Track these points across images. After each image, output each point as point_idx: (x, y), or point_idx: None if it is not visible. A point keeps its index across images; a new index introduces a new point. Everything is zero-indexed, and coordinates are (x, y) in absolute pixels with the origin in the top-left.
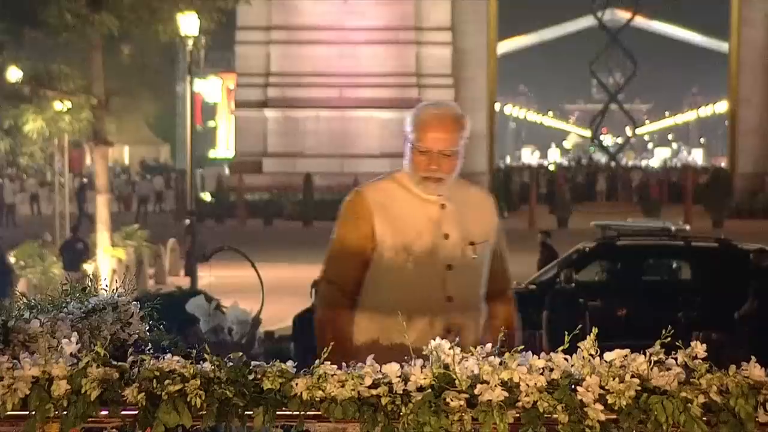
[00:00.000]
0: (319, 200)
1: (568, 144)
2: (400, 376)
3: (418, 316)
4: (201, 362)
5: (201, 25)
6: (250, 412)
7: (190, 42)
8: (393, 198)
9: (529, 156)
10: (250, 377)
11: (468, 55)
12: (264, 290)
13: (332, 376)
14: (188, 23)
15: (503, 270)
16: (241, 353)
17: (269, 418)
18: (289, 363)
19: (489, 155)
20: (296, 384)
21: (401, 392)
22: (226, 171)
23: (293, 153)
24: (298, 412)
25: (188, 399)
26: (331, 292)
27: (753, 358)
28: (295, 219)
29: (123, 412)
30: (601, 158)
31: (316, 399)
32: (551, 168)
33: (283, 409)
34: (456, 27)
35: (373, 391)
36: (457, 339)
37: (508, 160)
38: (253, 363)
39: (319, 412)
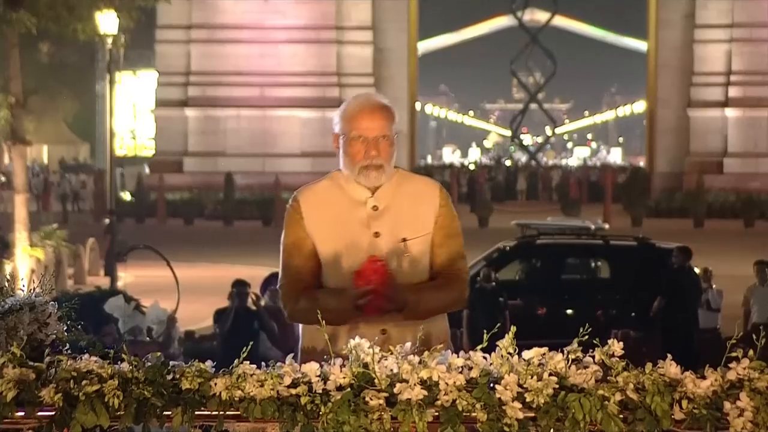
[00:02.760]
0: (240, 200)
1: (488, 143)
2: (319, 376)
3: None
4: (119, 362)
5: (120, 24)
6: (169, 413)
7: (110, 40)
8: (327, 200)
9: (450, 155)
10: (169, 377)
11: (389, 55)
12: (179, 289)
13: (251, 375)
14: (107, 22)
15: (446, 253)
16: (159, 353)
17: (188, 418)
18: (208, 363)
19: (410, 154)
20: (215, 384)
21: (321, 391)
22: (147, 170)
23: (214, 152)
24: (217, 412)
25: (106, 399)
26: (289, 285)
27: (669, 356)
28: (216, 218)
29: (40, 413)
30: (522, 157)
31: (235, 399)
32: (472, 167)
33: (202, 409)
34: (377, 26)
35: (293, 391)
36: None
37: (429, 159)
38: (171, 363)
39: (238, 412)
